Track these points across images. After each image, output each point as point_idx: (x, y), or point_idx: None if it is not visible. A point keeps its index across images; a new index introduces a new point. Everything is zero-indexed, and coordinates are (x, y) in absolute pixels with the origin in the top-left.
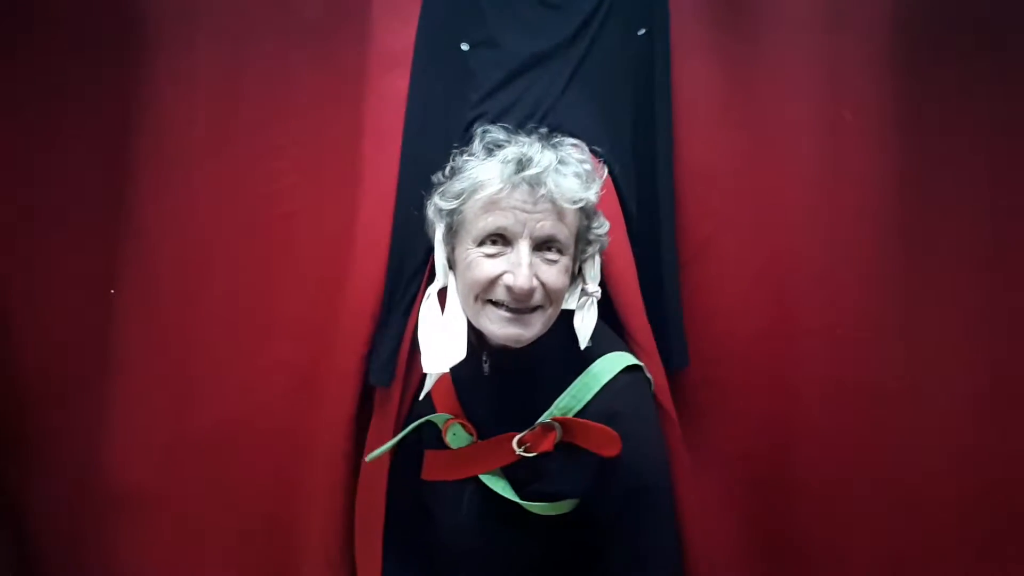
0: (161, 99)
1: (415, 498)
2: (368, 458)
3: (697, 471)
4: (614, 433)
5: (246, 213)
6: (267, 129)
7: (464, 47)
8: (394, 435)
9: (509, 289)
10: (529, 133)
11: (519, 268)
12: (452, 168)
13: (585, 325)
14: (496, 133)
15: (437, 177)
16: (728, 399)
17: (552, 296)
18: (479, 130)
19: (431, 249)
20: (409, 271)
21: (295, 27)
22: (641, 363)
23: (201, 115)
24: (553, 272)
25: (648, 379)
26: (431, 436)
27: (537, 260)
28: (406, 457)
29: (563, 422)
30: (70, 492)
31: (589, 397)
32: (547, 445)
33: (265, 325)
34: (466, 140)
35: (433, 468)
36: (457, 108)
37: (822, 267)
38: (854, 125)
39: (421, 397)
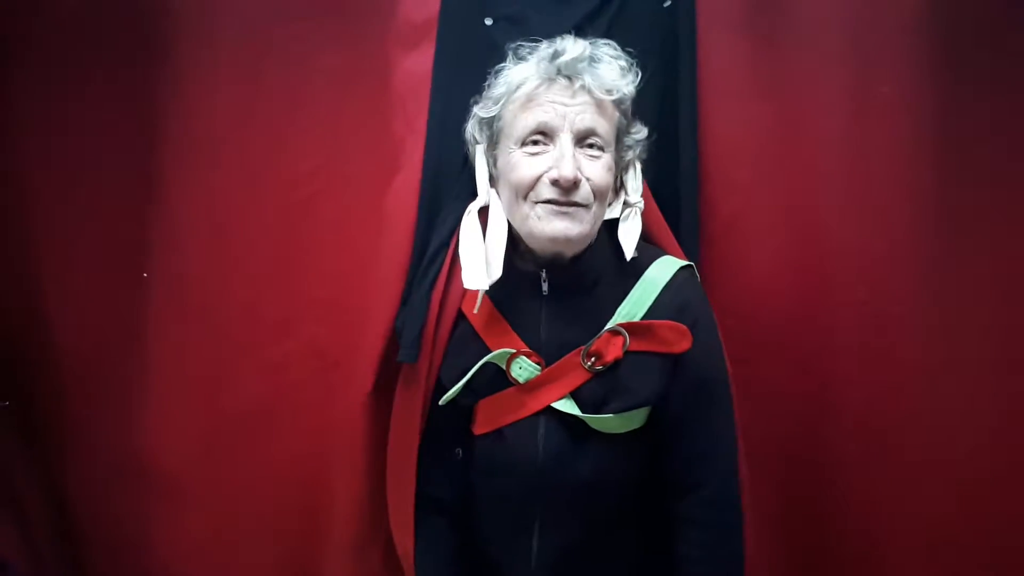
0: (184, 84)
1: (454, 463)
2: (442, 401)
3: None
4: (683, 327)
5: (272, 195)
6: (289, 111)
7: (488, 22)
8: (423, 411)
9: (555, 183)
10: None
11: (563, 159)
12: (487, 88)
13: (630, 236)
14: (527, 44)
15: (474, 100)
16: (756, 377)
17: (597, 193)
18: (512, 47)
19: (455, 227)
20: (433, 248)
21: (315, 7)
22: (692, 263)
23: (224, 98)
24: (596, 167)
25: (698, 276)
26: (483, 386)
27: (580, 156)
28: (437, 422)
29: (629, 327)
30: (105, 475)
31: (651, 302)
32: (615, 351)
33: (293, 308)
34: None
35: (498, 414)
36: (481, 85)
37: (853, 243)
38: (885, 97)
39: (476, 311)
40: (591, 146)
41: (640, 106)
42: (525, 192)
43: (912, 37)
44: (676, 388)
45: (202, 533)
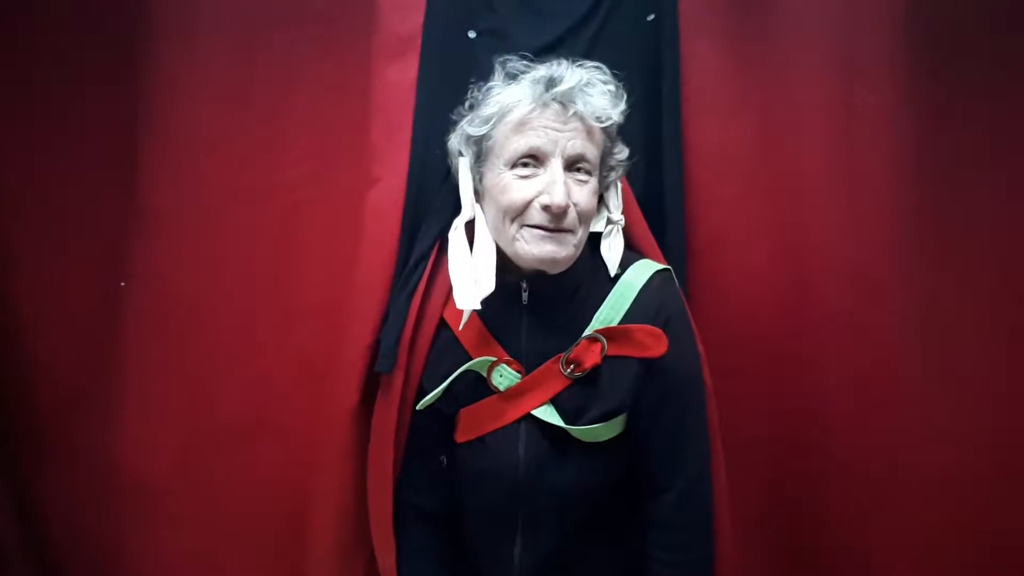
0: (169, 89)
1: (438, 471)
2: (419, 406)
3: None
4: (659, 331)
5: (255, 204)
6: (275, 118)
7: (471, 35)
8: (399, 420)
9: (546, 209)
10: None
11: (554, 186)
12: (472, 102)
13: (613, 252)
14: (516, 62)
15: (457, 112)
16: (743, 389)
17: (582, 218)
18: (499, 61)
19: (438, 237)
20: (415, 258)
21: (302, 14)
22: (668, 267)
23: (209, 105)
24: (584, 192)
25: (675, 280)
26: (464, 394)
27: (569, 180)
28: (421, 431)
29: (606, 332)
30: (86, 487)
31: (628, 305)
32: (594, 358)
33: (277, 318)
34: (482, 75)
35: (479, 422)
36: (464, 97)
37: (839, 253)
38: (869, 107)
39: (461, 327)
40: (579, 170)
41: (624, 121)
42: (514, 215)
43: (896, 48)
44: (649, 390)
45: (185, 546)
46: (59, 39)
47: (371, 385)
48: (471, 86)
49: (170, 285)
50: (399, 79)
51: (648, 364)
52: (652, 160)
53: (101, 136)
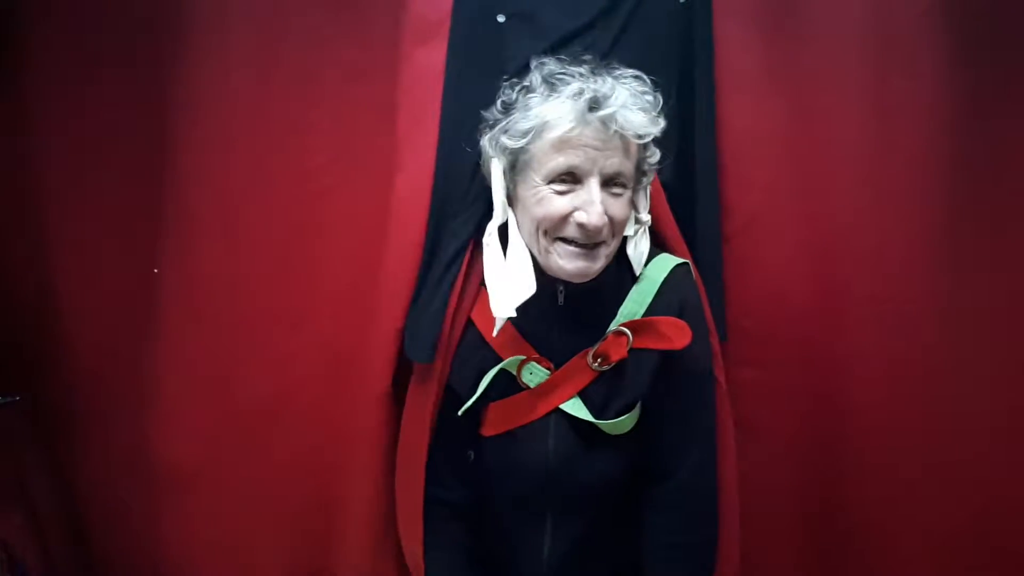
0: (196, 76)
1: (465, 465)
2: (460, 412)
3: (742, 449)
4: (682, 322)
5: (283, 190)
6: (302, 103)
7: (500, 19)
8: (435, 408)
9: (581, 226)
10: (583, 64)
11: (592, 206)
12: (505, 103)
13: (638, 253)
14: (553, 65)
15: (491, 112)
16: (775, 376)
17: (616, 229)
18: (535, 63)
19: (472, 235)
20: (452, 251)
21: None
22: (687, 260)
23: (236, 91)
24: (619, 205)
25: (693, 274)
26: (494, 388)
27: (604, 195)
28: (447, 424)
29: (632, 325)
30: (116, 469)
31: (650, 299)
32: (620, 351)
33: (304, 302)
34: (516, 73)
35: (509, 416)
36: (493, 82)
37: (873, 239)
38: (905, 91)
39: (495, 334)
40: (615, 184)
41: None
42: (548, 227)
43: (932, 30)
44: (660, 377)
45: (213, 528)
46: (87, 33)
47: (399, 371)
48: (504, 84)
49: (199, 270)
50: (427, 64)
51: (665, 353)
52: (686, 144)
53: (132, 126)
